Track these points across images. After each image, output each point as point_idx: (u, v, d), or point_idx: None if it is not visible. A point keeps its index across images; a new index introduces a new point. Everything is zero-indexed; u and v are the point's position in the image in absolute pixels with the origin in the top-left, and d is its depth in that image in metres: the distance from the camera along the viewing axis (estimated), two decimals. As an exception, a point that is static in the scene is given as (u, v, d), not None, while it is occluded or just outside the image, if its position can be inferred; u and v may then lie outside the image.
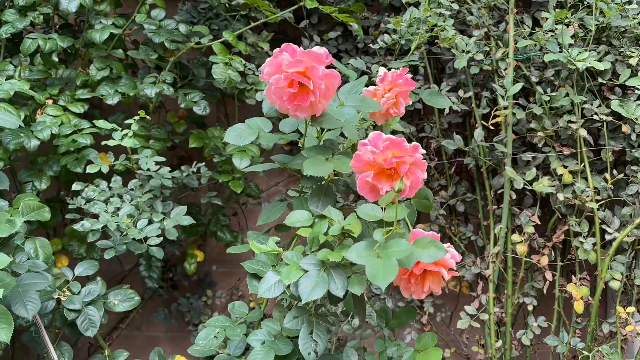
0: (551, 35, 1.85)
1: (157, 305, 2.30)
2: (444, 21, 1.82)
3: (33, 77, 1.86)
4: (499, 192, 1.99)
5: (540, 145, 1.93)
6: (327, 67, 1.11)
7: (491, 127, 1.95)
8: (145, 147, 1.84)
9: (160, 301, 2.29)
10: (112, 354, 1.72)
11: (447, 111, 2.04)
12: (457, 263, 1.13)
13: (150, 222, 1.73)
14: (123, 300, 1.66)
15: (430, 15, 1.78)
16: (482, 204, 2.09)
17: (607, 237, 1.87)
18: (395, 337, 2.26)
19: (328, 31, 2.14)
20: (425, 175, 1.10)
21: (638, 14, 1.90)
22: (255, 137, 1.23)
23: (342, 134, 1.33)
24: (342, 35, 2.16)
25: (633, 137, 1.89)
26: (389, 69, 1.34)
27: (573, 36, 1.88)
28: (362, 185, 1.11)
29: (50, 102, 1.86)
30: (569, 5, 1.89)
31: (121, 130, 1.75)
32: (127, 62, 2.05)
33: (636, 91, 1.87)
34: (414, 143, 1.06)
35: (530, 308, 1.98)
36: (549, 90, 1.89)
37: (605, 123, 1.89)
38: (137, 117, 1.77)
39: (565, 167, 1.90)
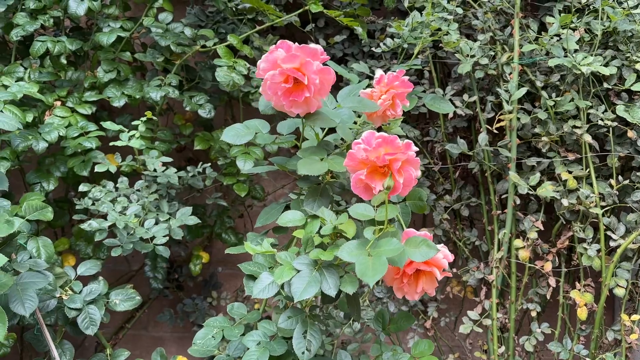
0: (557, 40, 1.85)
1: (164, 306, 2.32)
2: (448, 25, 1.82)
3: (42, 79, 1.89)
4: (504, 197, 1.98)
5: (545, 151, 1.92)
6: (323, 64, 1.13)
7: (496, 132, 1.94)
8: (150, 149, 1.87)
9: (166, 302, 2.32)
10: (113, 352, 1.74)
11: (451, 115, 2.04)
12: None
13: (156, 222, 1.75)
14: (124, 299, 1.68)
15: (434, 20, 1.79)
16: (486, 208, 2.09)
17: (612, 244, 1.85)
18: (399, 342, 2.27)
19: (335, 35, 2.15)
20: (418, 173, 1.10)
21: (645, 18, 1.89)
22: (252, 137, 1.25)
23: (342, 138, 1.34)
24: (349, 39, 2.17)
25: (639, 142, 1.87)
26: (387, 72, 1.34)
27: (579, 41, 1.87)
28: (355, 184, 1.12)
29: (58, 103, 1.89)
30: (575, 9, 1.89)
31: (128, 132, 1.77)
32: (136, 65, 2.08)
33: (642, 96, 1.86)
34: (406, 140, 1.06)
35: (534, 314, 1.97)
36: (554, 95, 1.89)
37: (611, 128, 1.88)
38: (143, 119, 1.79)
39: (570, 172, 1.89)
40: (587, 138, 1.85)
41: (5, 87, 1.75)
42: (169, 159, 1.84)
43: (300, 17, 1.98)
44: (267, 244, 1.23)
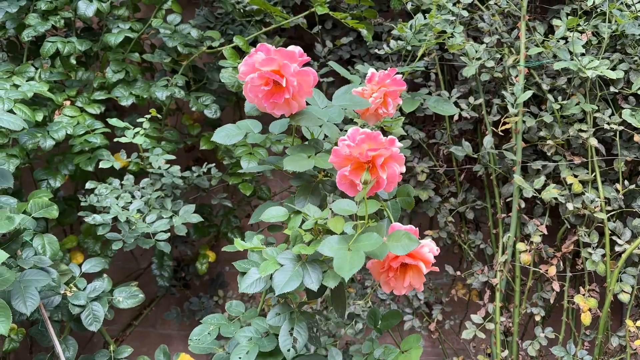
0: (564, 43, 1.84)
1: (171, 304, 2.34)
2: (453, 28, 1.82)
3: (53, 78, 1.93)
4: (509, 200, 1.97)
5: (550, 154, 1.90)
6: (305, 65, 1.14)
7: (502, 135, 1.93)
8: (156, 147, 1.89)
9: (173, 300, 2.34)
10: (117, 349, 1.76)
11: (457, 118, 2.03)
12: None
13: (159, 218, 1.78)
14: (128, 297, 1.70)
15: (438, 22, 1.78)
16: (491, 211, 2.07)
17: (618, 249, 1.83)
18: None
19: (343, 36, 2.16)
20: (403, 170, 1.11)
21: (654, 21, 1.87)
22: (242, 137, 1.26)
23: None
24: (356, 41, 2.18)
25: (646, 147, 1.85)
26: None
27: (587, 44, 1.85)
28: (340, 180, 1.13)
29: (68, 103, 1.93)
30: (582, 12, 1.87)
31: (133, 129, 1.80)
32: (145, 66, 2.11)
33: (649, 100, 1.84)
34: (390, 136, 1.07)
35: (538, 318, 1.95)
36: (560, 98, 1.87)
37: (618, 132, 1.86)
38: (148, 116, 1.82)
39: (575, 176, 1.87)
40: (593, 142, 1.83)
41: (17, 86, 1.79)
42: (172, 157, 1.86)
43: (307, 19, 2.00)
44: (257, 241, 1.24)
